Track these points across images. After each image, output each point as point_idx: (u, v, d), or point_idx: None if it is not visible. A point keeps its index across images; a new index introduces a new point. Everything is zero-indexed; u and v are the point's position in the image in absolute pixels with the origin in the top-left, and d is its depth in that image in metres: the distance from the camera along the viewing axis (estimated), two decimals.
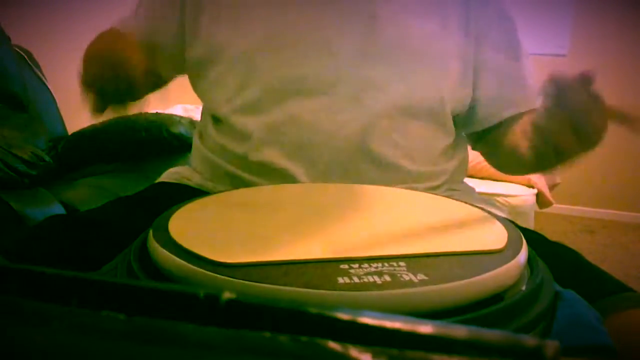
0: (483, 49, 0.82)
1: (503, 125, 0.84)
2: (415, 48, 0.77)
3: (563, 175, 2.63)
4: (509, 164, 0.87)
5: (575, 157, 0.63)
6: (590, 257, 0.66)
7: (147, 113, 1.98)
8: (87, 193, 1.53)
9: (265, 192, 0.68)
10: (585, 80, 0.58)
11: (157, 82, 0.91)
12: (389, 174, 0.76)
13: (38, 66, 1.91)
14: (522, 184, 2.30)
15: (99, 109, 0.71)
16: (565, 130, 0.60)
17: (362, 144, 0.75)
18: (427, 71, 0.78)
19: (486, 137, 0.87)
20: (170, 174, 0.89)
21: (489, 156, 0.91)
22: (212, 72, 0.81)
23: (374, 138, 0.75)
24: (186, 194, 0.77)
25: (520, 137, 0.79)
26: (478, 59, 0.82)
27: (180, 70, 0.88)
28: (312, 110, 0.75)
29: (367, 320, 0.21)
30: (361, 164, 0.76)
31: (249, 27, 0.78)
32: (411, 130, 0.78)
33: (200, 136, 0.87)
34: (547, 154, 0.65)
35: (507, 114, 0.83)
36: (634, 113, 0.58)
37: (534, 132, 0.66)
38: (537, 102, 0.84)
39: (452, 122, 0.82)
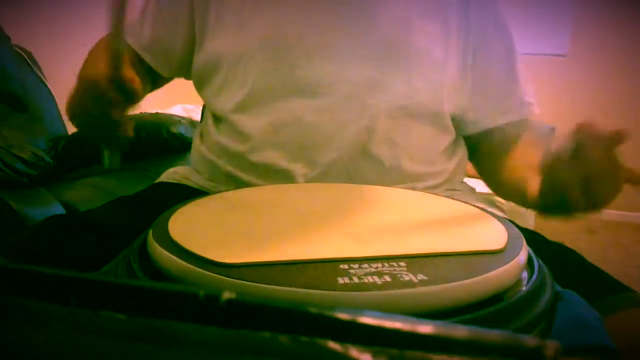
0: (479, 55, 0.82)
1: (497, 138, 0.84)
2: (416, 49, 0.77)
3: None
4: (507, 195, 0.85)
5: (581, 213, 0.60)
6: (590, 257, 0.66)
7: (147, 113, 1.98)
8: (87, 193, 1.53)
9: (265, 192, 0.68)
10: (615, 139, 0.54)
11: (157, 83, 0.91)
12: (389, 174, 0.76)
13: (38, 66, 1.91)
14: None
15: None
16: (574, 185, 0.57)
17: (363, 144, 0.75)
18: (428, 72, 0.78)
19: (479, 146, 0.87)
20: (170, 174, 0.89)
21: (485, 175, 0.89)
22: (217, 74, 0.81)
23: (374, 138, 0.75)
24: (186, 194, 0.77)
25: (522, 168, 0.77)
26: (474, 64, 0.82)
27: (184, 73, 0.89)
28: (313, 111, 0.75)
29: (367, 320, 0.21)
30: (362, 164, 0.76)
31: (252, 28, 0.78)
32: (412, 130, 0.78)
33: (201, 136, 0.87)
34: (551, 204, 0.62)
35: (499, 120, 0.83)
36: None
37: (542, 178, 0.62)
38: (530, 112, 0.85)
39: (450, 122, 0.82)
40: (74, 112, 0.71)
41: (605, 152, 0.55)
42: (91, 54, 0.82)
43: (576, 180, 0.57)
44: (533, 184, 0.67)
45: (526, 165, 0.77)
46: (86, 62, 0.79)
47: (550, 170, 0.60)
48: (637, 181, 0.57)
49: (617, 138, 0.54)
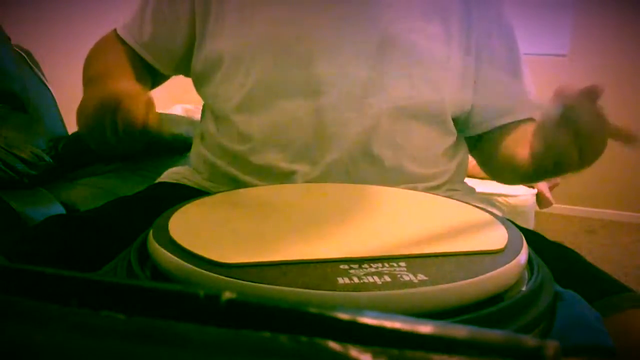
0: (482, 55, 0.82)
1: (499, 133, 0.84)
2: (418, 50, 0.77)
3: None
4: (503, 172, 0.86)
5: (574, 171, 0.64)
6: (590, 257, 0.66)
7: None
8: (87, 193, 1.53)
9: (265, 192, 0.68)
10: (592, 94, 0.58)
11: (157, 80, 0.91)
12: (390, 175, 0.76)
13: (38, 66, 1.91)
14: (522, 184, 2.30)
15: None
16: (569, 146, 0.59)
17: (364, 144, 0.75)
18: (430, 73, 0.78)
19: (482, 143, 0.87)
20: (170, 174, 0.89)
21: (484, 163, 0.90)
22: (217, 73, 0.81)
23: (376, 139, 0.75)
24: (186, 194, 0.77)
25: (517, 146, 0.78)
26: (477, 65, 0.82)
27: (184, 71, 0.89)
28: (313, 111, 0.75)
29: (367, 320, 0.21)
30: (362, 165, 0.76)
31: (252, 28, 0.78)
32: (413, 131, 0.78)
33: (201, 137, 0.87)
34: (546, 167, 0.65)
35: (502, 120, 0.83)
36: (630, 130, 0.58)
37: (536, 145, 0.65)
38: (534, 111, 0.85)
39: (452, 123, 0.82)
40: (86, 125, 0.66)
41: (590, 108, 0.58)
42: (101, 54, 0.83)
43: (569, 139, 0.59)
44: (524, 150, 0.71)
45: (520, 138, 0.79)
46: (97, 63, 0.80)
47: (544, 134, 0.62)
48: (620, 135, 0.59)
49: (595, 92, 0.58)
